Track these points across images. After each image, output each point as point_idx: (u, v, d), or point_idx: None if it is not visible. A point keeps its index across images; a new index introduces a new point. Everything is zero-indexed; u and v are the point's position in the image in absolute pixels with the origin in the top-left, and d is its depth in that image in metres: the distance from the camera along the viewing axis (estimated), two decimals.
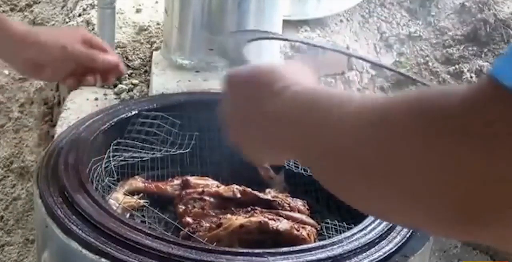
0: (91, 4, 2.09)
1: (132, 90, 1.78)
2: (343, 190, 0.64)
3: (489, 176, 0.50)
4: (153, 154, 1.33)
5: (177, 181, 1.29)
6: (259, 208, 1.21)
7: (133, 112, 1.33)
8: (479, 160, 0.50)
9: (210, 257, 0.95)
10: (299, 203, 1.26)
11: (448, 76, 2.26)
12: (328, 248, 0.99)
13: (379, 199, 0.59)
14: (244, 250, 0.99)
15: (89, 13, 2.05)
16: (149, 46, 1.93)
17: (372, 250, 1.01)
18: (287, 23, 2.04)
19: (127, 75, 1.84)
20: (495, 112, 0.50)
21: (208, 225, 1.17)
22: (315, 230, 1.16)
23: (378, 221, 1.06)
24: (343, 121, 0.62)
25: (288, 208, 1.23)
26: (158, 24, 1.99)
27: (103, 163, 1.23)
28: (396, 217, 0.61)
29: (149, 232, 1.00)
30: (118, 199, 1.19)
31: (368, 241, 1.02)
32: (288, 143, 0.70)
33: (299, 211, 1.24)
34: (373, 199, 0.60)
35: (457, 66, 2.26)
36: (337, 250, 0.99)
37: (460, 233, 0.54)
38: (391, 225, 1.06)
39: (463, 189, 0.51)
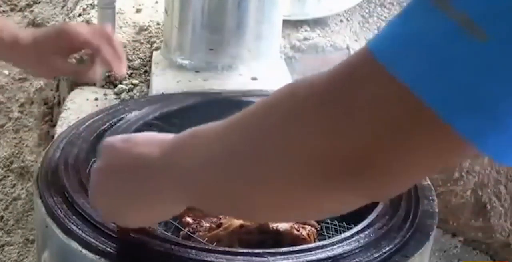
0: (91, 4, 2.09)
1: (132, 90, 1.78)
2: (245, 205, 0.67)
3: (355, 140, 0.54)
4: None
5: None
6: None
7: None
8: (347, 127, 0.54)
9: (210, 257, 0.95)
10: None
11: None
12: (328, 248, 0.99)
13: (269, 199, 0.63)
14: (244, 250, 0.99)
15: (89, 13, 2.05)
16: (149, 46, 1.93)
17: (372, 250, 1.01)
18: (287, 23, 2.04)
19: (127, 75, 1.84)
20: (363, 83, 0.53)
21: (208, 225, 1.17)
22: (315, 230, 1.16)
23: (378, 221, 1.06)
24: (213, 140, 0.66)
25: None
26: (158, 24, 1.99)
27: None
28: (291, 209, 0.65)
29: (149, 232, 1.00)
30: None
31: (368, 241, 1.02)
32: (178, 192, 0.73)
33: None
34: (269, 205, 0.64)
35: None
36: (337, 250, 0.99)
37: (343, 190, 0.58)
38: (391, 225, 1.06)
39: (343, 151, 0.55)
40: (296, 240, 1.10)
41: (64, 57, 1.19)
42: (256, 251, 0.97)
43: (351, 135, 0.54)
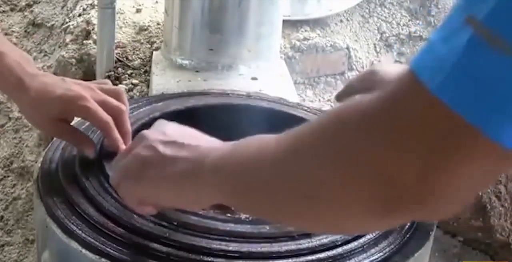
0: (91, 4, 2.09)
1: (132, 90, 1.78)
2: (283, 214, 0.69)
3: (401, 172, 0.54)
4: None
5: None
6: None
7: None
8: (395, 155, 0.55)
9: (210, 257, 0.95)
10: None
11: None
12: (329, 248, 0.99)
13: (319, 216, 0.64)
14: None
15: (89, 13, 2.05)
16: (149, 46, 1.93)
17: (372, 250, 1.01)
18: (287, 23, 2.04)
19: (127, 75, 1.84)
20: (407, 105, 0.54)
21: None
22: None
23: None
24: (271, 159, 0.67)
25: None
26: (158, 24, 1.99)
27: None
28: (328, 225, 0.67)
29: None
30: None
31: (368, 241, 1.02)
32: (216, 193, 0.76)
33: None
34: (312, 218, 0.65)
35: None
36: (337, 250, 0.99)
37: (387, 221, 0.60)
38: None
39: (387, 185, 0.55)
40: None
41: (65, 122, 1.09)
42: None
43: (405, 159, 0.54)
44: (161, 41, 1.86)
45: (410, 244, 1.05)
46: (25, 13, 2.65)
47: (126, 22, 2.02)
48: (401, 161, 0.54)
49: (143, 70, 1.85)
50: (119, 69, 1.85)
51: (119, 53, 1.89)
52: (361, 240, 1.02)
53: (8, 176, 2.27)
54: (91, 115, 1.06)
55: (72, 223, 1.01)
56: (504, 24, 0.49)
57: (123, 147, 1.10)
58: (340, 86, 2.22)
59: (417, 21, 2.40)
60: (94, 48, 1.89)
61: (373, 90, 1.13)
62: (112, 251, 0.96)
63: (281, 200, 0.66)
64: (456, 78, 0.51)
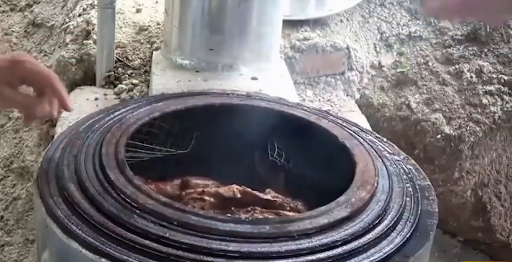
0: (91, 4, 2.09)
1: (132, 90, 1.78)
2: None
3: None
4: (153, 154, 1.33)
5: (177, 181, 1.29)
6: (259, 208, 1.21)
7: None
8: None
9: (210, 257, 0.95)
10: (299, 203, 1.26)
11: (448, 76, 2.26)
12: (329, 247, 0.99)
13: None
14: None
15: (89, 13, 2.05)
16: (149, 46, 1.93)
17: (372, 250, 1.01)
18: (287, 23, 2.04)
19: (127, 75, 1.84)
20: None
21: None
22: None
23: (377, 220, 1.06)
24: None
25: (288, 208, 1.24)
26: (158, 24, 1.99)
27: None
28: None
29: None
30: None
31: (368, 241, 1.02)
32: None
33: (299, 211, 1.24)
34: None
35: (457, 66, 2.26)
36: (337, 250, 0.99)
37: None
38: (391, 224, 1.06)
39: None
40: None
41: (14, 88, 1.09)
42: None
43: None
44: (161, 41, 1.86)
45: (410, 244, 1.05)
46: (25, 13, 2.65)
47: (126, 22, 2.02)
48: None
49: (143, 70, 1.85)
50: (119, 69, 1.85)
51: (119, 53, 1.89)
52: (361, 240, 1.02)
53: (8, 176, 2.27)
54: (35, 67, 1.08)
55: (72, 223, 1.01)
56: None
57: (69, 100, 1.09)
58: (340, 86, 2.22)
59: (417, 21, 2.40)
60: (94, 48, 1.89)
61: None
62: (112, 251, 0.96)
63: None
64: None
